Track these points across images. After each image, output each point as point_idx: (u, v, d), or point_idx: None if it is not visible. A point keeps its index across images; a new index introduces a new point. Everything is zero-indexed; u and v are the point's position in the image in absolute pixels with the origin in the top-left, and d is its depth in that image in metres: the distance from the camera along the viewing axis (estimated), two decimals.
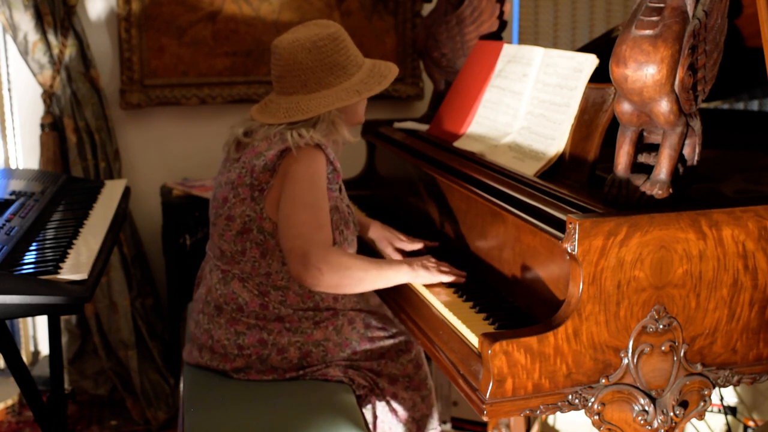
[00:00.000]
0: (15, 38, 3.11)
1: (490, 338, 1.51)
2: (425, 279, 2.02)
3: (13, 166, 3.41)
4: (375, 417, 2.22)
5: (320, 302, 2.10)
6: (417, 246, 2.29)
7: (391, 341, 2.21)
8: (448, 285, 2.01)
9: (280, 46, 2.10)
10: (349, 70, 2.12)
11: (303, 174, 1.98)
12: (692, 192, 1.70)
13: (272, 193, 2.02)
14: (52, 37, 3.12)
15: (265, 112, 2.14)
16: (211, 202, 2.19)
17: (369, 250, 2.37)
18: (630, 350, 1.57)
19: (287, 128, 2.06)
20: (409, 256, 2.28)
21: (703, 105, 2.17)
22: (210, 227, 2.20)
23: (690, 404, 1.64)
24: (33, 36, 3.10)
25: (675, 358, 1.60)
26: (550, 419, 2.87)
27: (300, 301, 2.08)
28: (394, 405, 2.22)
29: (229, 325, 2.09)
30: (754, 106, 3.45)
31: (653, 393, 1.60)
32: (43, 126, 3.23)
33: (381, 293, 2.18)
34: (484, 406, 1.52)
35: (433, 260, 2.06)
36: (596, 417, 1.58)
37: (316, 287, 1.93)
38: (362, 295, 2.22)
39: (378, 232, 2.36)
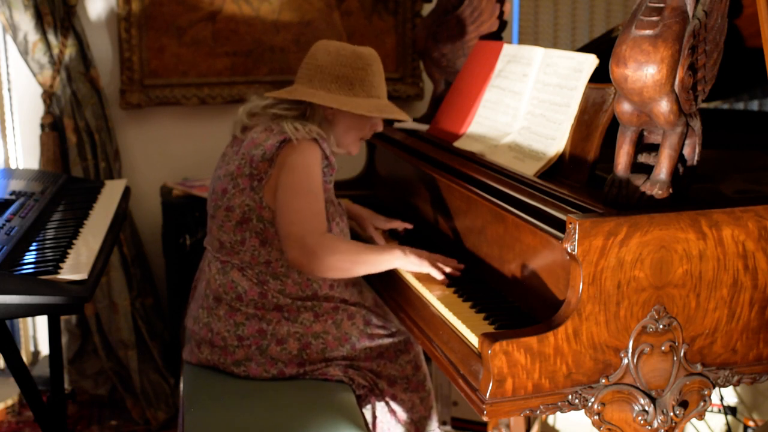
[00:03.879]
0: (15, 38, 3.11)
1: (490, 338, 1.51)
2: (416, 267, 2.05)
3: (13, 166, 3.41)
4: (374, 417, 2.23)
5: (318, 290, 2.12)
6: (395, 225, 2.40)
7: (390, 340, 2.21)
8: (448, 284, 2.01)
9: (314, 44, 2.22)
10: (355, 90, 2.16)
11: (300, 164, 2.05)
12: (692, 192, 1.69)
13: (270, 183, 2.07)
14: (52, 37, 3.12)
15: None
16: (210, 195, 2.22)
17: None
18: (630, 350, 1.57)
19: (283, 120, 2.13)
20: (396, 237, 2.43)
21: (703, 105, 2.16)
22: (208, 220, 2.22)
23: (690, 404, 1.63)
24: (33, 36, 3.10)
25: (675, 358, 1.60)
26: (550, 419, 2.87)
27: (299, 290, 2.11)
28: (393, 406, 2.22)
29: (228, 316, 2.10)
30: (754, 106, 3.46)
31: (653, 393, 1.60)
32: (43, 126, 3.22)
33: (379, 291, 2.18)
34: (484, 406, 1.52)
35: (426, 252, 2.09)
36: (596, 417, 1.58)
37: (313, 272, 2.00)
38: (357, 288, 2.22)
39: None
